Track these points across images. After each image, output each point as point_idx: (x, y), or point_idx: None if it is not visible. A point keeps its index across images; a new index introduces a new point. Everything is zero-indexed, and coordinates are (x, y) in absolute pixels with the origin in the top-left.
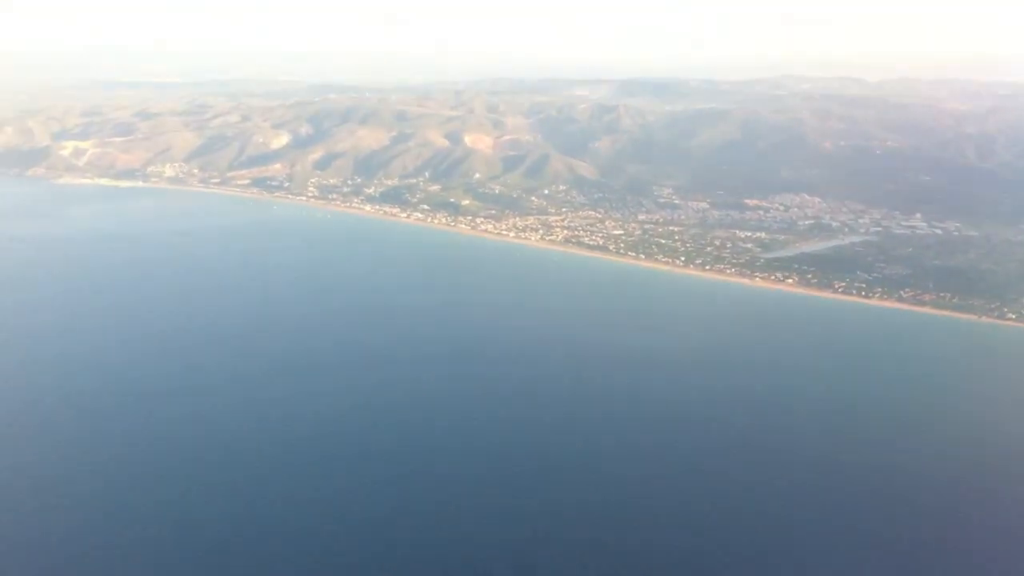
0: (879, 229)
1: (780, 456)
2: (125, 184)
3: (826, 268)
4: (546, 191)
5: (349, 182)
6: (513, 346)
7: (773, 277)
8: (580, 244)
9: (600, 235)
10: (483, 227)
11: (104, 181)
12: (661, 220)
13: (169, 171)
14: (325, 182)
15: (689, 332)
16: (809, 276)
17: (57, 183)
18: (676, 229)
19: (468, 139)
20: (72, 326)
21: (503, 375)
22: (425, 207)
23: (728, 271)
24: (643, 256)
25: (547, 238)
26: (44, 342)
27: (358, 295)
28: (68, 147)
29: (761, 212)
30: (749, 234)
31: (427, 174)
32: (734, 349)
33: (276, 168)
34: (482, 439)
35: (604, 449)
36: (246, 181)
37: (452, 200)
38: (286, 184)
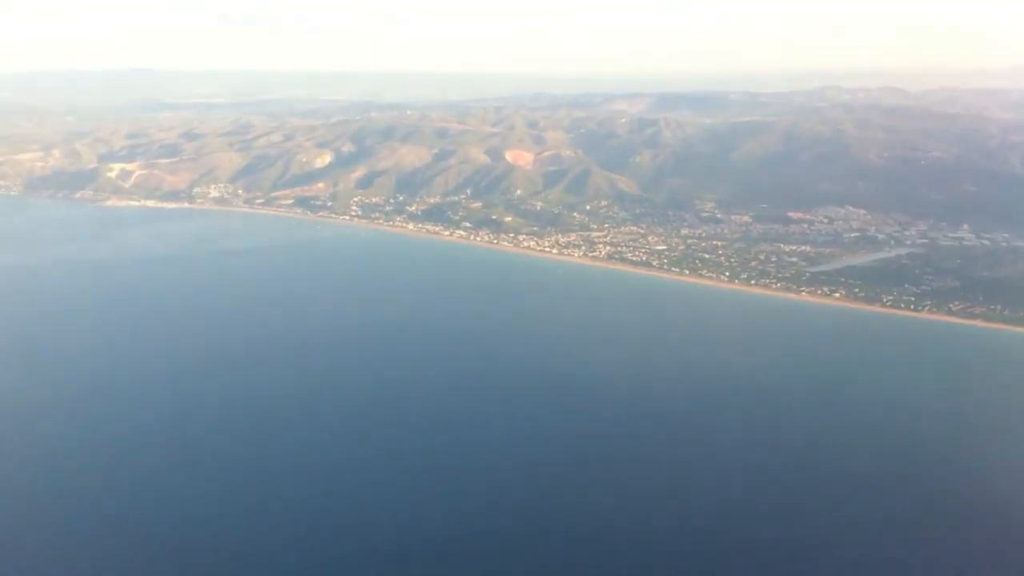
0: (926, 241)
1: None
2: (171, 206)
3: (873, 281)
4: (588, 207)
5: (391, 200)
6: (589, 374)
7: (820, 291)
8: (624, 260)
9: (643, 251)
10: (525, 244)
11: (150, 203)
12: (704, 234)
13: (214, 192)
14: (368, 201)
15: (756, 351)
16: (856, 290)
17: (104, 205)
18: (719, 244)
19: (509, 155)
20: (135, 349)
21: (598, 408)
22: (467, 225)
23: (774, 286)
24: (688, 272)
25: (590, 255)
26: (113, 366)
27: (416, 318)
28: (115, 169)
29: (805, 225)
30: (794, 248)
31: (469, 191)
32: (803, 369)
33: (319, 187)
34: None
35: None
36: (290, 201)
37: (494, 217)
38: (329, 203)
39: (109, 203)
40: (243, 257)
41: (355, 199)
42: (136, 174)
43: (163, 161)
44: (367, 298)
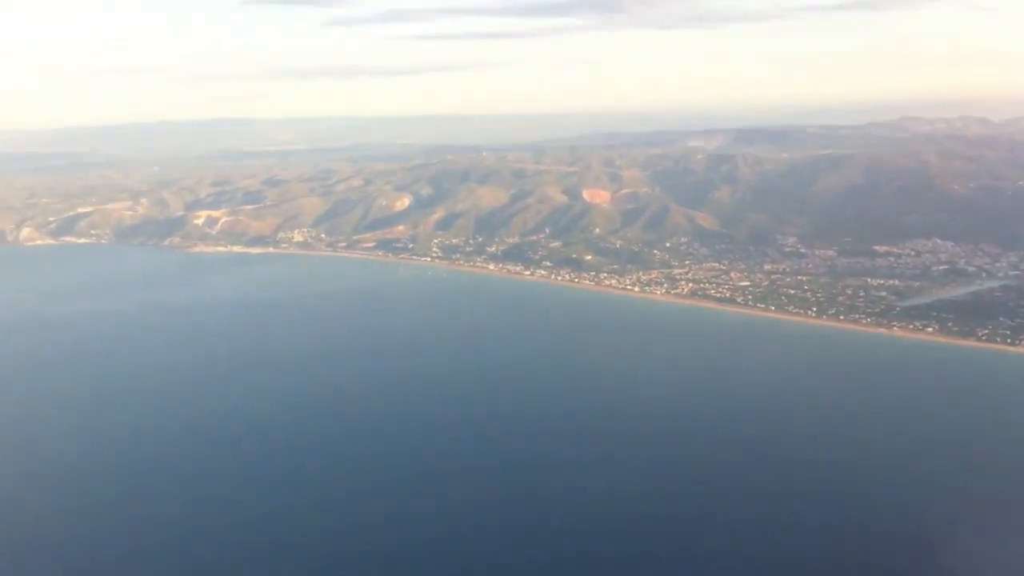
0: (1018, 272)
1: None
2: (256, 251)
3: (966, 315)
4: (667, 244)
5: (471, 241)
6: (694, 414)
7: (912, 326)
8: (707, 297)
9: (727, 287)
10: (607, 282)
11: (236, 248)
12: (788, 269)
13: (298, 236)
14: (448, 242)
15: (855, 389)
16: (950, 324)
17: (192, 251)
18: (804, 278)
19: (586, 194)
20: (237, 393)
21: (706, 448)
22: (548, 264)
23: (864, 320)
24: (773, 307)
25: (672, 292)
26: (218, 406)
27: (510, 356)
28: (201, 216)
29: (892, 259)
30: (881, 282)
31: (547, 230)
32: (908, 408)
33: (399, 230)
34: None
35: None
36: (371, 244)
37: (574, 256)
38: (410, 245)
39: (196, 249)
40: (330, 299)
41: (435, 240)
42: (222, 220)
43: (248, 207)
44: (459, 337)
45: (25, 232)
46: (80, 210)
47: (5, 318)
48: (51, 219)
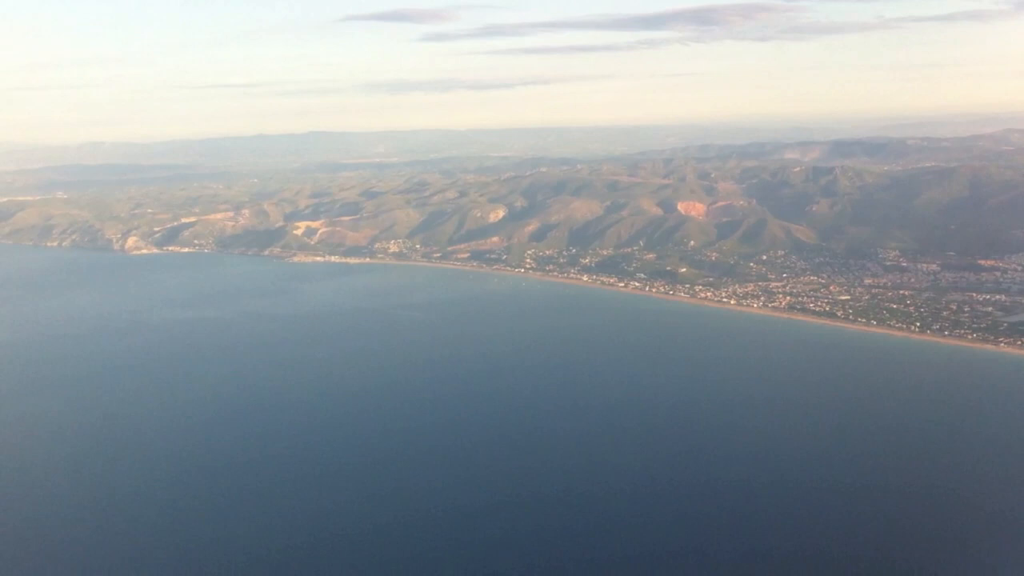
0: None
1: None
2: (354, 261)
3: None
4: (764, 257)
5: (565, 253)
6: (808, 434)
7: (1020, 342)
8: (805, 311)
9: (826, 301)
10: (702, 295)
11: (334, 258)
12: (889, 284)
13: (393, 247)
14: (541, 253)
15: (967, 407)
16: None
17: (292, 261)
18: (906, 293)
19: (681, 206)
20: (350, 401)
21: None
22: (642, 276)
23: (969, 336)
24: (874, 322)
25: (769, 305)
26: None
27: (610, 366)
28: (301, 227)
29: (998, 273)
30: (987, 297)
31: (641, 243)
32: None
33: (494, 241)
34: None
35: None
36: (466, 255)
37: (668, 268)
38: (504, 256)
39: (296, 259)
40: (426, 309)
41: (529, 252)
42: (320, 231)
43: (345, 219)
44: (566, 347)
45: (131, 241)
46: (184, 220)
47: (117, 323)
48: (156, 229)
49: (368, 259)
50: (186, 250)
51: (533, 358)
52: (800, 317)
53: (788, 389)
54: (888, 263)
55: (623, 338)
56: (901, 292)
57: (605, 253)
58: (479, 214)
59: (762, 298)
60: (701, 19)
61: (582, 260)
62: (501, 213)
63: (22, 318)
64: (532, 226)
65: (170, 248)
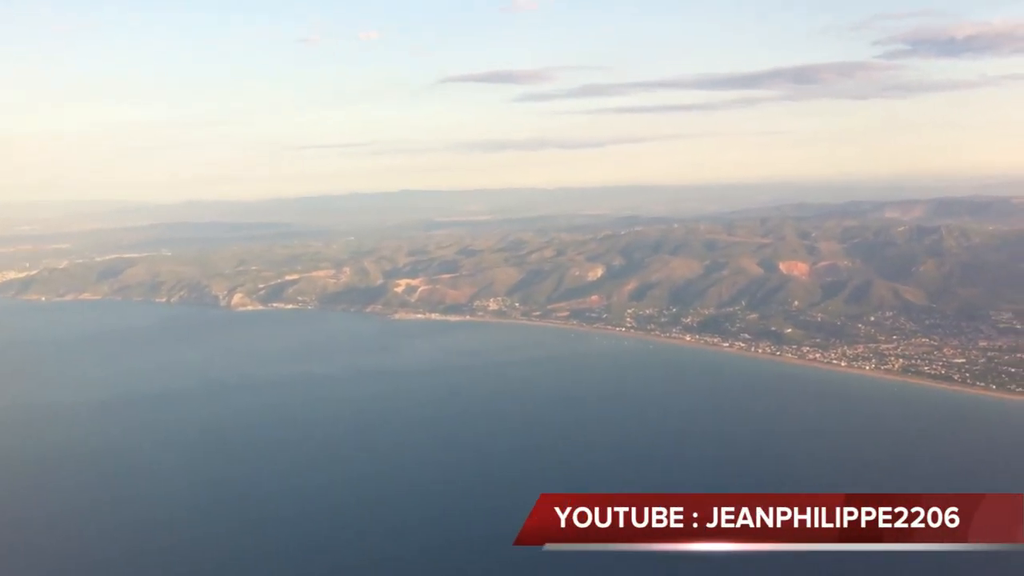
0: None
1: None
2: (454, 319)
3: None
4: (872, 318)
5: (665, 312)
6: None
7: None
8: (919, 374)
9: (940, 363)
10: (810, 356)
11: (434, 316)
12: (1005, 347)
13: (493, 305)
14: (642, 312)
15: None
16: None
17: (393, 318)
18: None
19: (783, 266)
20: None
21: None
22: (746, 336)
23: None
24: (994, 386)
25: (882, 367)
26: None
27: (728, 432)
28: (401, 284)
29: None
30: None
31: (743, 302)
32: None
33: (593, 300)
34: None
35: None
36: (565, 313)
37: (773, 328)
38: (604, 315)
39: (397, 316)
40: (533, 367)
41: (629, 311)
42: (420, 289)
43: (444, 276)
44: (678, 408)
45: (236, 298)
46: (288, 278)
47: (226, 378)
48: (260, 286)
49: (468, 317)
50: (290, 306)
51: (648, 420)
52: (914, 380)
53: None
54: (1001, 325)
55: (738, 403)
56: (1018, 356)
57: (706, 313)
58: (577, 273)
59: (873, 360)
60: (799, 78)
61: (683, 320)
62: (599, 272)
63: (140, 371)
64: (631, 285)
65: (275, 305)
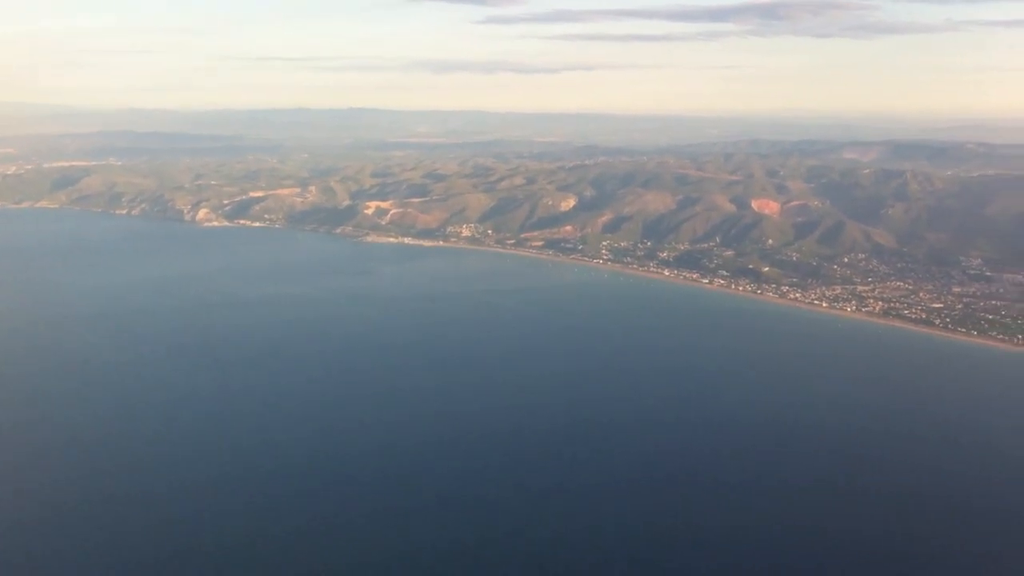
0: None
1: None
2: (427, 243)
3: None
4: (845, 259)
5: (640, 246)
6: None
7: None
8: (901, 317)
9: (919, 308)
10: (791, 296)
11: (407, 240)
12: (978, 293)
13: (466, 231)
14: (617, 245)
15: None
16: None
17: (365, 240)
18: (999, 303)
19: (755, 204)
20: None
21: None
22: (724, 273)
23: None
24: (975, 332)
25: (863, 310)
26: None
27: (725, 369)
28: (371, 207)
29: None
30: None
31: (718, 239)
32: None
33: (567, 230)
34: None
35: None
36: (540, 243)
37: (751, 267)
38: (579, 247)
39: (369, 239)
40: (519, 297)
41: (604, 243)
42: (391, 212)
43: (415, 200)
44: (669, 347)
45: (202, 213)
46: (252, 194)
47: (211, 298)
48: (225, 202)
49: (441, 242)
50: (257, 224)
51: (649, 357)
52: (897, 324)
53: (920, 403)
54: (972, 271)
55: (734, 345)
56: (993, 302)
57: (681, 248)
58: (550, 202)
59: (853, 302)
60: (769, 13)
61: (660, 254)
62: (572, 202)
63: (122, 286)
64: (605, 217)
65: (241, 221)
